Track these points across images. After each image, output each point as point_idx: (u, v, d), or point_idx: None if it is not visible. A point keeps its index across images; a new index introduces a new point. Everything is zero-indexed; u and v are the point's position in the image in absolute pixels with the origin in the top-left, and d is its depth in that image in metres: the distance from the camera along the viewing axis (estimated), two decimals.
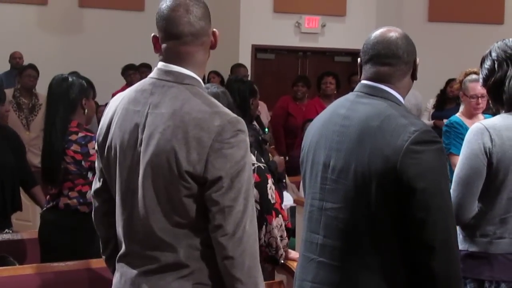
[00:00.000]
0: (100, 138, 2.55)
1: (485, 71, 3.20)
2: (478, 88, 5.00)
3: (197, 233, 2.35)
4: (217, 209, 2.28)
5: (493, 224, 3.10)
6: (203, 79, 2.50)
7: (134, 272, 2.43)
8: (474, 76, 5.14)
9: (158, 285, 2.37)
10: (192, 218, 2.33)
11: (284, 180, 6.25)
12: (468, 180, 3.07)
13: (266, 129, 6.79)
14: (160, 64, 2.46)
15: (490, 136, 3.06)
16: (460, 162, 3.12)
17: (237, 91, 5.35)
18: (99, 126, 2.57)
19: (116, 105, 2.52)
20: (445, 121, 9.21)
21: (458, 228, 3.19)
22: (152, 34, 2.49)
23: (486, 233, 3.11)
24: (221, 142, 2.27)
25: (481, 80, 3.25)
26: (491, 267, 3.10)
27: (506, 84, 3.12)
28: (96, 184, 2.70)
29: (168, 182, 2.32)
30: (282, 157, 6.52)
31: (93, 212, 2.77)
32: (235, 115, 2.36)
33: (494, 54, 3.17)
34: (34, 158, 6.89)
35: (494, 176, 3.06)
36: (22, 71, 8.32)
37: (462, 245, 3.16)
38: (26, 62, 9.30)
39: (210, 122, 2.29)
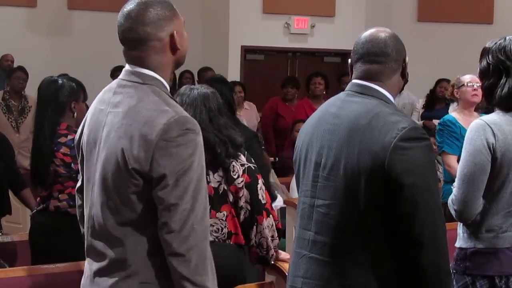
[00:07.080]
0: (77, 138, 2.66)
1: (480, 70, 3.22)
2: (475, 78, 5.04)
3: (145, 231, 2.38)
4: (163, 207, 2.31)
5: (498, 218, 3.11)
6: (174, 80, 2.54)
7: (92, 269, 2.51)
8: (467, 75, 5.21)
9: (107, 285, 2.43)
10: (141, 216, 2.37)
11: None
12: (472, 177, 3.07)
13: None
14: (127, 66, 2.51)
15: (493, 131, 3.06)
16: (463, 160, 3.12)
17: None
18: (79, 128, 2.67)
19: (91, 106, 2.61)
20: (434, 121, 9.34)
21: (462, 226, 3.22)
22: None
23: (492, 228, 3.12)
24: (167, 140, 2.29)
25: (478, 74, 3.27)
26: (500, 261, 3.11)
27: (498, 92, 3.13)
28: (78, 182, 2.80)
29: (118, 179, 2.36)
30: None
31: (76, 209, 2.83)
32: (185, 115, 2.37)
33: (490, 57, 3.17)
34: (24, 160, 6.88)
35: (498, 171, 3.07)
36: (11, 74, 8.29)
37: (468, 242, 3.17)
38: (15, 64, 9.27)
39: (157, 120, 2.32)
